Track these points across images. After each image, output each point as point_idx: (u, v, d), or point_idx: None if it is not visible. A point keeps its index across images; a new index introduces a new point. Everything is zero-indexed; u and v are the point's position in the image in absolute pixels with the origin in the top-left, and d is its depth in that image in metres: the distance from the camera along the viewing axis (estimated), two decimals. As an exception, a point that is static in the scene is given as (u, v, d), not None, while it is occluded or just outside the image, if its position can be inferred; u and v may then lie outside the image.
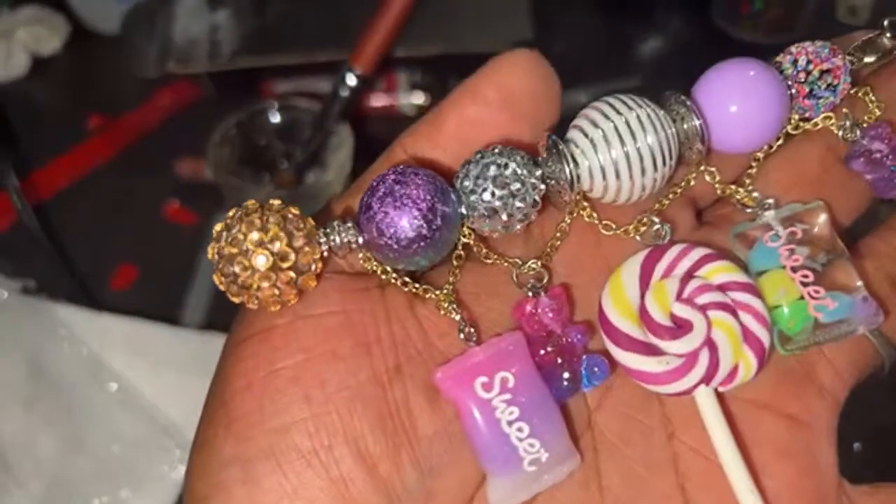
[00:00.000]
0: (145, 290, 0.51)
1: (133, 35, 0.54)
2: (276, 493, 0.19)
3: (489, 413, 0.20)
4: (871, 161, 0.23)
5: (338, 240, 0.20)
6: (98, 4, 0.59)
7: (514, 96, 0.21)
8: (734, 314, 0.22)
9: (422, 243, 0.20)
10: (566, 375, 0.21)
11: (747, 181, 0.23)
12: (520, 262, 0.22)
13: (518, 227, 0.21)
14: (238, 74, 0.55)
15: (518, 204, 0.20)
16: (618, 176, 0.21)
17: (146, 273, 0.52)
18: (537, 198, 0.21)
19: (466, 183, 0.21)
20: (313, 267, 0.20)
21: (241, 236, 0.19)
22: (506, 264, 0.22)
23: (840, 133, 0.23)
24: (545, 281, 0.22)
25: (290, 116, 0.48)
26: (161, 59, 0.53)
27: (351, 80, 0.46)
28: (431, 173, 0.20)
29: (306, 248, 0.20)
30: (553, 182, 0.21)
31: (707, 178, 0.23)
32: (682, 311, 0.21)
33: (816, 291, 0.22)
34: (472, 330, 0.21)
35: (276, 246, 0.19)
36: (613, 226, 0.22)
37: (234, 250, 0.19)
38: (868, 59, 0.24)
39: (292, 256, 0.19)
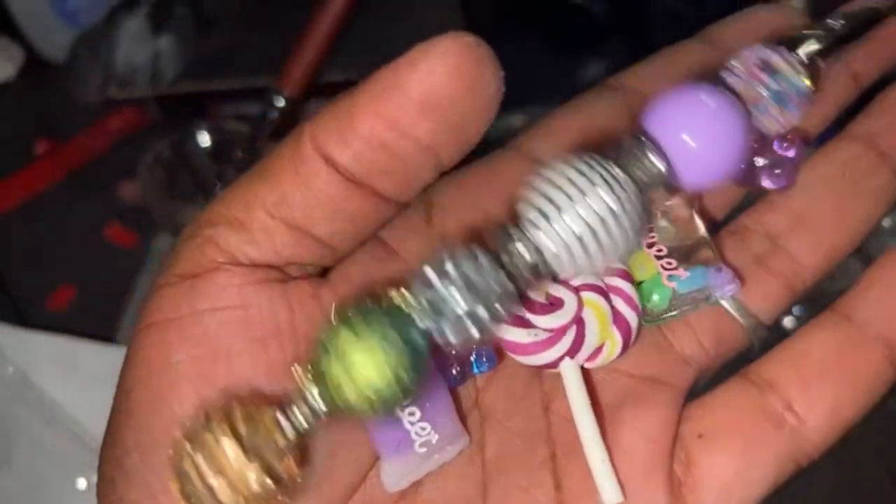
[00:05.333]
0: (82, 311, 0.51)
1: (78, 61, 0.55)
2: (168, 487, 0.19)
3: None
4: None
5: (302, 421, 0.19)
6: (51, 33, 0.61)
7: (439, 100, 0.18)
8: (606, 296, 0.22)
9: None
10: (456, 368, 0.22)
11: None
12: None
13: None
14: (184, 99, 0.56)
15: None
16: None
17: (83, 293, 0.52)
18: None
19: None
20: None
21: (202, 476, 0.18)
22: None
23: None
24: None
25: (220, 138, 0.49)
26: (104, 85, 0.54)
27: (279, 102, 0.47)
28: None
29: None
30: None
31: None
32: (557, 290, 0.22)
33: (669, 263, 0.23)
34: None
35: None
36: None
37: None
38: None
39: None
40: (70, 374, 0.47)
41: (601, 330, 0.22)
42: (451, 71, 0.18)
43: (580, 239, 0.18)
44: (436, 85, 0.18)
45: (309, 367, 0.19)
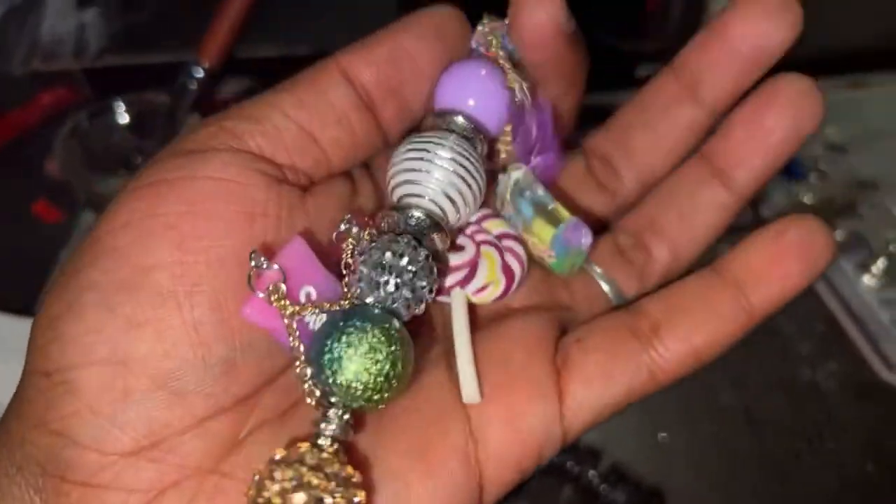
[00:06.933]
0: (2, 285, 0.51)
1: (3, 33, 0.55)
2: (127, 322, 0.19)
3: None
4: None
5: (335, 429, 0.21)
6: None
7: (449, 36, 0.24)
8: (499, 250, 0.26)
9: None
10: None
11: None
12: None
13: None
14: (111, 74, 0.56)
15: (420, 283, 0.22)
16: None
17: (4, 268, 0.52)
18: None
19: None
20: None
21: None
22: None
23: None
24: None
25: (139, 111, 0.49)
26: (28, 57, 0.53)
27: (197, 73, 0.47)
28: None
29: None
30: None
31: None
32: (462, 240, 0.26)
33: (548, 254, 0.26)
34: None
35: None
36: None
37: None
38: None
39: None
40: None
41: (490, 273, 0.26)
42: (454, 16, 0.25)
43: (450, 184, 0.23)
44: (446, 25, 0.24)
45: (317, 392, 0.21)
